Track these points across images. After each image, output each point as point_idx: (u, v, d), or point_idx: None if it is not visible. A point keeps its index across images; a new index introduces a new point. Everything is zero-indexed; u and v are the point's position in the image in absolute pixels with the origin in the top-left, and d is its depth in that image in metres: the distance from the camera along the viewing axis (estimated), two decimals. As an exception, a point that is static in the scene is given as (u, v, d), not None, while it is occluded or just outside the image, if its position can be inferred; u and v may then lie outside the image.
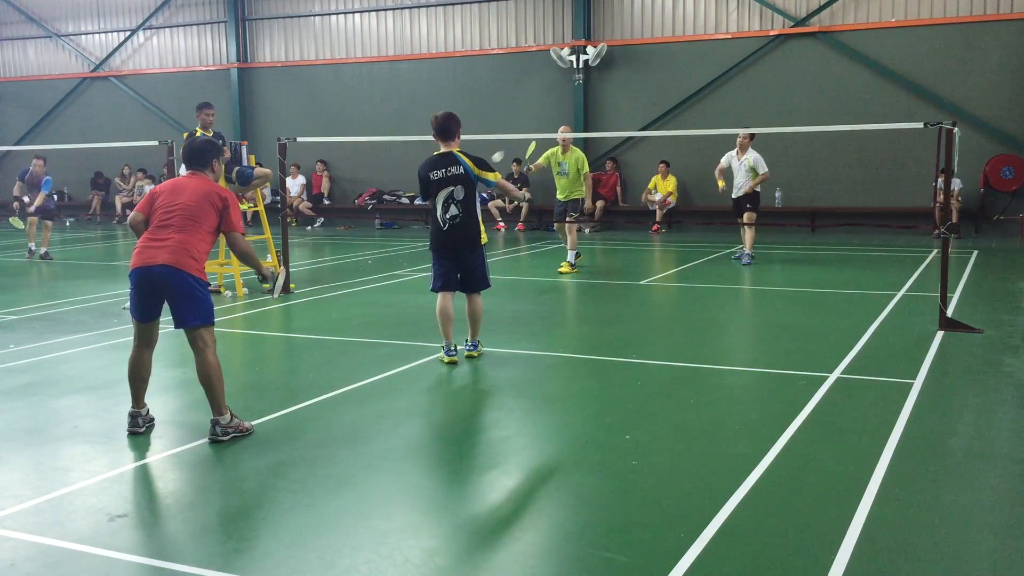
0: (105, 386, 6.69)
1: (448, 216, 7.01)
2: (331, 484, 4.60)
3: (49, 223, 15.84)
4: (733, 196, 13.53)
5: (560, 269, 12.61)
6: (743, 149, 13.20)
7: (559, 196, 12.96)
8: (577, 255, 12.90)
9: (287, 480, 4.69)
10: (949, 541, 3.89)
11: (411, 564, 3.68)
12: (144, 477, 4.84)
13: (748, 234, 13.44)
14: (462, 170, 6.96)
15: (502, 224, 19.97)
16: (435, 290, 7.21)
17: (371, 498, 4.45)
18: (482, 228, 7.24)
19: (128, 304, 5.72)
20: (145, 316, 5.44)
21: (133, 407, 5.55)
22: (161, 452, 5.21)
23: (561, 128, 12.90)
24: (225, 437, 5.27)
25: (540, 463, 5.01)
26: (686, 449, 5.20)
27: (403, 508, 4.30)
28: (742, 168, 13.21)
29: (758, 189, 13.32)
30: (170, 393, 6.63)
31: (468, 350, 7.37)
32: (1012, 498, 4.41)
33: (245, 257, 5.57)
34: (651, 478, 4.70)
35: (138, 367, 5.55)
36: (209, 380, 5.32)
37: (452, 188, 6.98)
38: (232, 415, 5.38)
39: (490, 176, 7.05)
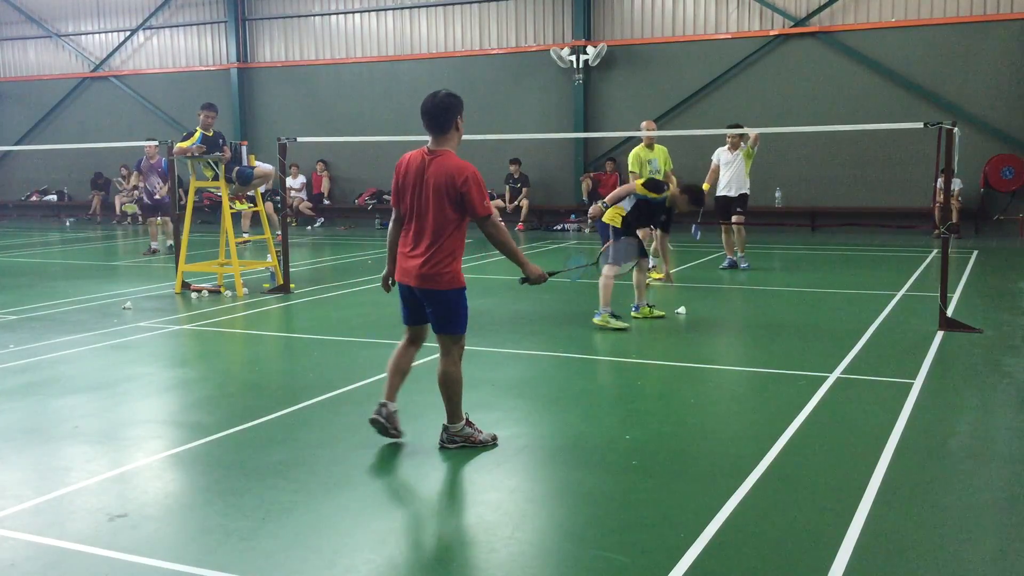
0: (105, 386, 6.68)
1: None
2: (331, 484, 4.61)
3: (167, 219, 15.96)
4: (720, 193, 12.72)
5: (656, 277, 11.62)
6: (735, 146, 12.60)
7: None
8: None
9: (287, 480, 4.69)
10: (949, 541, 3.89)
11: (411, 564, 3.68)
12: (144, 477, 4.84)
13: (738, 236, 12.68)
14: None
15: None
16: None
17: (371, 498, 4.45)
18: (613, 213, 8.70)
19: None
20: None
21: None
22: (161, 452, 5.20)
23: (644, 123, 11.85)
24: (452, 445, 5.13)
25: (540, 463, 5.01)
26: (686, 449, 5.20)
27: (403, 508, 4.30)
28: (735, 161, 12.53)
29: (748, 190, 12.62)
30: (170, 393, 6.63)
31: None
32: (1012, 498, 4.40)
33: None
34: (651, 478, 4.70)
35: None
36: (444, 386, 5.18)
37: None
38: (467, 423, 5.18)
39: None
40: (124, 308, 9.90)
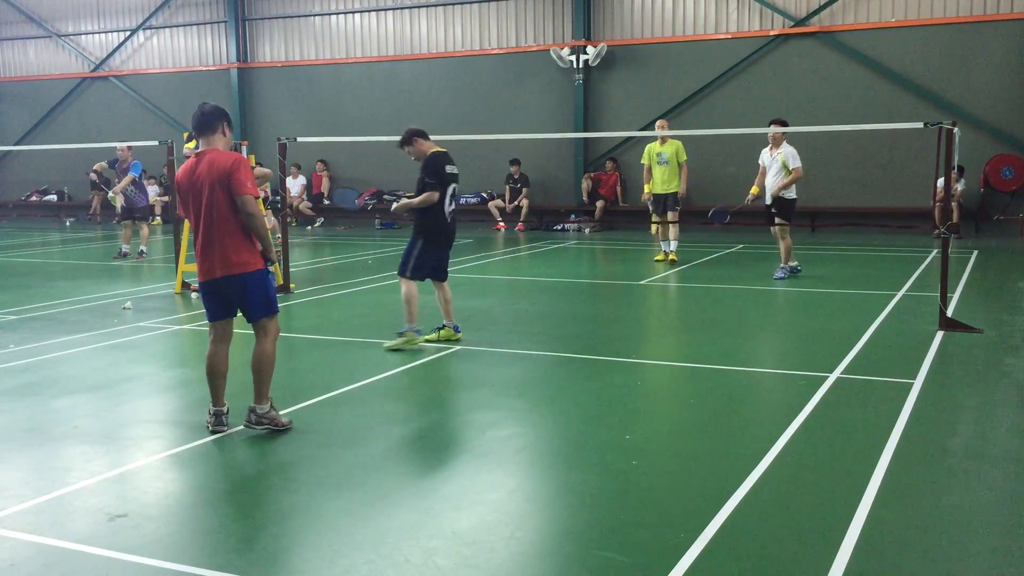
0: (105, 386, 6.68)
1: (451, 210, 7.76)
2: (331, 484, 4.60)
3: (144, 224, 15.52)
4: (765, 200, 11.84)
5: (670, 258, 13.44)
6: (776, 144, 11.67)
7: (656, 189, 13.49)
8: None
9: (287, 480, 4.69)
10: (949, 541, 3.89)
11: (411, 564, 3.68)
12: (144, 477, 4.84)
13: (782, 245, 11.83)
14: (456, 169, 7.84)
15: (502, 224, 19.97)
16: (421, 278, 7.76)
17: (371, 498, 4.45)
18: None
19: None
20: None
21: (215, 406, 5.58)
22: (161, 452, 5.21)
23: (658, 122, 14.23)
24: (258, 426, 5.43)
25: (540, 463, 5.01)
26: (686, 449, 5.20)
27: (403, 508, 4.30)
28: (775, 164, 11.62)
29: (792, 195, 11.71)
30: (170, 393, 6.63)
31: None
32: (1012, 498, 4.41)
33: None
34: (651, 478, 4.70)
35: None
36: (259, 367, 5.53)
37: (455, 185, 7.81)
38: (272, 407, 5.50)
39: None
40: (124, 308, 9.90)
